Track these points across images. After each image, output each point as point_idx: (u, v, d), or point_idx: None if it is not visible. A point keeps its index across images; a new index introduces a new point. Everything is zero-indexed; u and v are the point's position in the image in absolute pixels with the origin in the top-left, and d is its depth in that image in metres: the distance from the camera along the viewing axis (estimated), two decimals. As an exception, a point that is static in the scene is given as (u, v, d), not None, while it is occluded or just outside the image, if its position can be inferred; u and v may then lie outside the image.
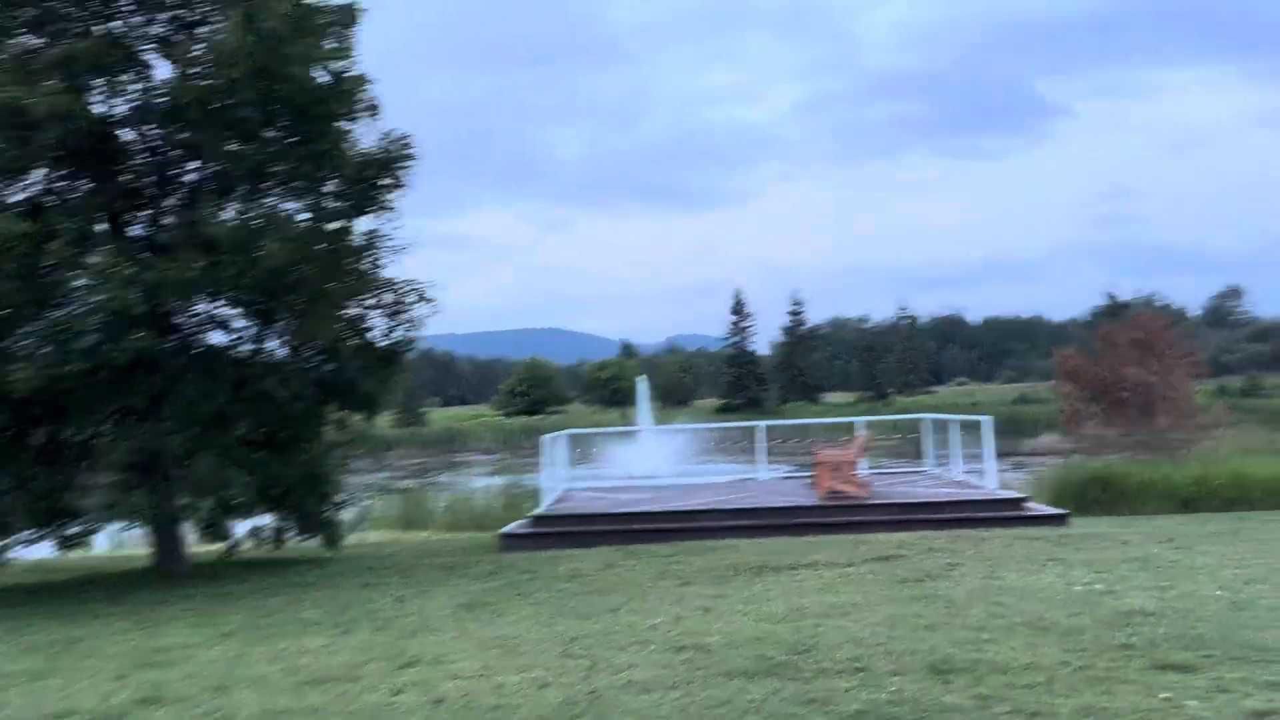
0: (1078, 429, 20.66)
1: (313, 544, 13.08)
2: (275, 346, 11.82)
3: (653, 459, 31.42)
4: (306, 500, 11.55)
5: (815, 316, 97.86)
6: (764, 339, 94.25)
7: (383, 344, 11.83)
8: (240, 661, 6.78)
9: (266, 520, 12.61)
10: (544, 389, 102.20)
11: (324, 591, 10.00)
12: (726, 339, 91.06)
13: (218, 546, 12.54)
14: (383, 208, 10.99)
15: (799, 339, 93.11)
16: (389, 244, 11.36)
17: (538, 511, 13.52)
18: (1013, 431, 41.17)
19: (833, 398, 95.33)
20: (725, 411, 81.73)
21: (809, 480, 16.03)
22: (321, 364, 11.33)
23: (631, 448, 36.23)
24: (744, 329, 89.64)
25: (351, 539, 17.16)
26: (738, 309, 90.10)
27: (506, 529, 13.29)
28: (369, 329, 11.93)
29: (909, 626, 6.58)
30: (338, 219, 10.72)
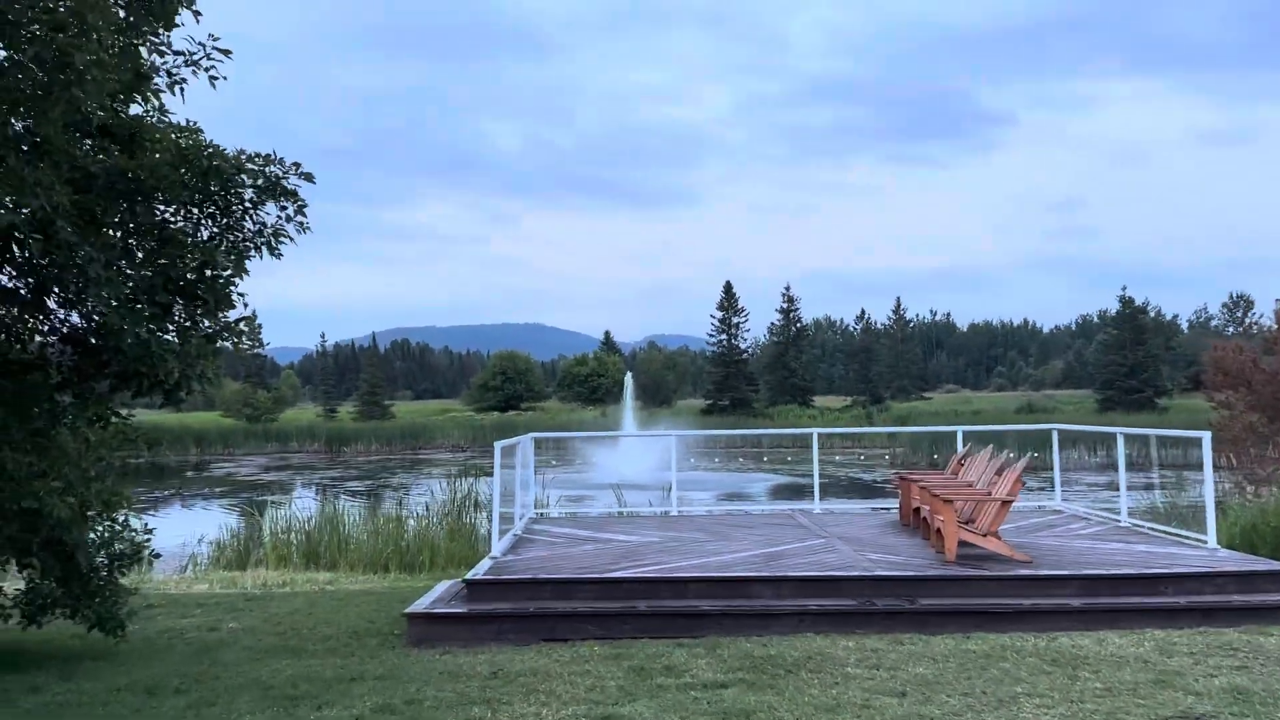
0: (1247, 448, 15.24)
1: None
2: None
3: (642, 467, 26.11)
4: (41, 558, 6.11)
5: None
6: (742, 339, 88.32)
7: (191, 270, 6.35)
8: None
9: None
10: (519, 384, 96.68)
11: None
12: (712, 337, 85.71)
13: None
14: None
15: (792, 338, 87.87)
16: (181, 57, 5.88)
17: (476, 574, 8.07)
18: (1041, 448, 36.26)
19: (823, 401, 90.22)
20: (711, 413, 76.51)
21: (900, 520, 10.71)
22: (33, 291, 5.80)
23: (619, 454, 30.95)
24: (732, 326, 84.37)
25: (215, 585, 11.69)
26: (726, 305, 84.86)
27: (421, 604, 7.83)
28: (176, 237, 6.44)
29: None
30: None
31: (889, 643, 6.87)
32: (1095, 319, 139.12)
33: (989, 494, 8.43)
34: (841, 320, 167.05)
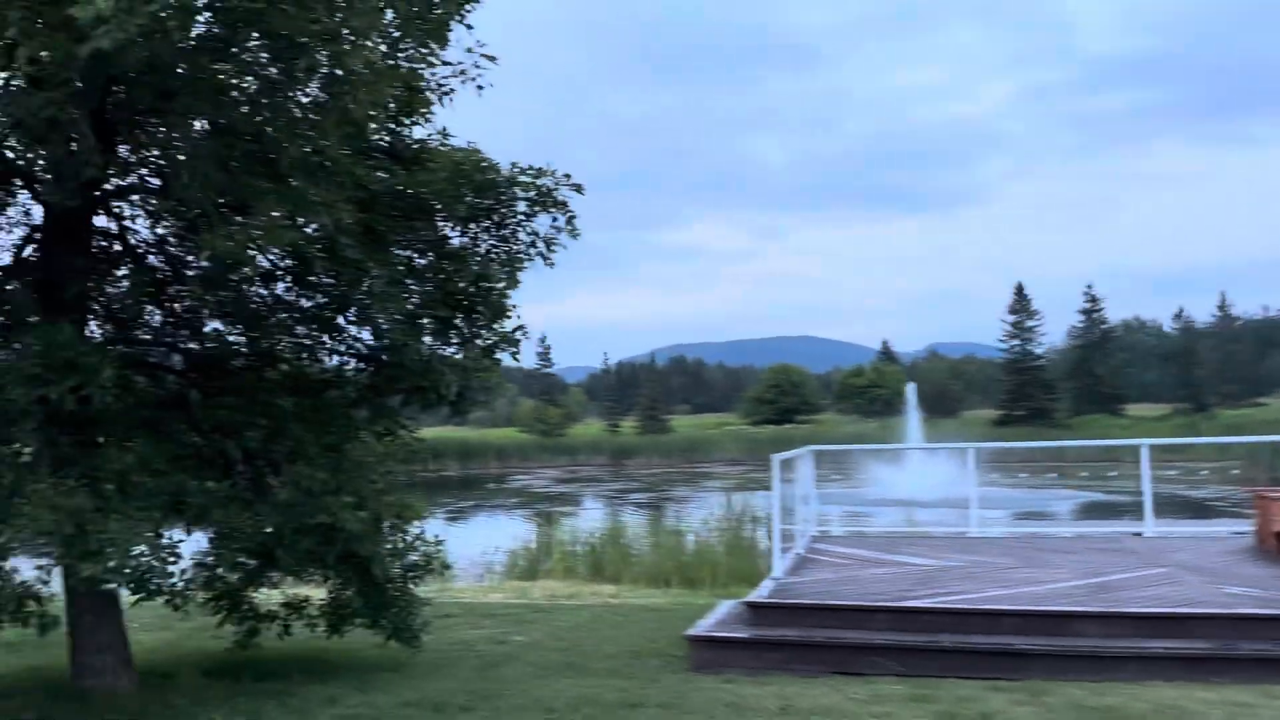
0: None
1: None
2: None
3: (929, 483, 24.48)
4: (339, 570, 6.36)
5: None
6: (1037, 344, 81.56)
7: (469, 283, 6.37)
8: None
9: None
10: (794, 396, 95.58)
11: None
12: (1003, 342, 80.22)
13: (230, 630, 7.57)
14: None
15: (1096, 341, 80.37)
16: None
17: (758, 596, 7.58)
18: None
19: (1136, 410, 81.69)
20: (1006, 424, 71.55)
21: (1258, 545, 9.02)
22: (325, 307, 6.00)
23: (902, 469, 29.36)
24: (1026, 330, 78.54)
25: (506, 595, 12.02)
26: (1018, 308, 79.18)
27: (704, 626, 7.44)
28: (455, 252, 6.51)
29: None
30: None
31: (1260, 695, 5.61)
32: None
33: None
34: (1154, 321, 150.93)
